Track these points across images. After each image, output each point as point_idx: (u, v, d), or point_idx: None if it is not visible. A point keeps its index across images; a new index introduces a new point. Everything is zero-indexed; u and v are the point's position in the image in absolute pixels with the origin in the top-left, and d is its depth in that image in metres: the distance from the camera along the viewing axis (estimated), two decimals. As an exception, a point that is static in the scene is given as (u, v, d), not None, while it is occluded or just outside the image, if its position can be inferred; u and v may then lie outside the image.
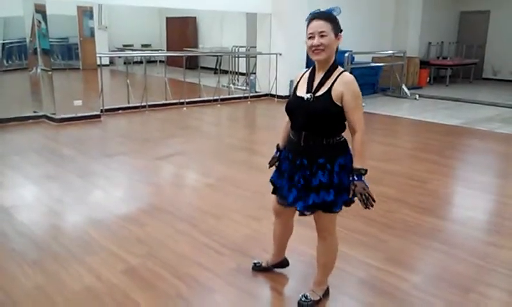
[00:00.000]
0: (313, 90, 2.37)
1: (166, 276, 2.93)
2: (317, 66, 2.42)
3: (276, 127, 8.37)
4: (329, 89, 2.32)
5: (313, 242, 3.43)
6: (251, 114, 9.40)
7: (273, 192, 2.69)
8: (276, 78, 10.23)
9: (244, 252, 3.26)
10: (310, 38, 2.33)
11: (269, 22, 10.45)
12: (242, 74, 12.28)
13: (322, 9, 2.35)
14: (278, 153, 2.66)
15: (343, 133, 2.42)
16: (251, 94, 10.38)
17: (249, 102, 10.05)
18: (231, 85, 11.31)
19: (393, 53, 11.74)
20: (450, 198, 4.77)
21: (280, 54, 10.13)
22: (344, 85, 2.30)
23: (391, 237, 3.55)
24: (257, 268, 2.99)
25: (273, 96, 10.42)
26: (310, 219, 3.58)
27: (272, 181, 2.67)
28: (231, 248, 3.32)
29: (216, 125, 8.50)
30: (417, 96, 10.97)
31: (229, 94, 10.47)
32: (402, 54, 11.49)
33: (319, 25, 2.30)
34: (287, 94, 10.29)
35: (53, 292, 2.75)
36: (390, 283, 2.90)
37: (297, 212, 2.56)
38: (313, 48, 2.32)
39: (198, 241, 3.43)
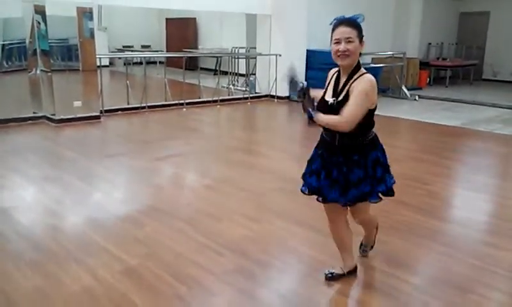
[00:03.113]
0: (337, 94, 2.48)
1: (164, 277, 2.92)
2: (341, 70, 2.51)
3: (275, 128, 8.38)
4: (348, 92, 2.42)
5: (314, 243, 3.43)
6: (250, 115, 9.40)
7: (313, 193, 2.71)
8: (275, 79, 10.22)
9: (243, 253, 3.25)
10: (336, 43, 2.41)
11: (268, 23, 10.44)
12: (242, 75, 12.27)
13: (347, 16, 2.44)
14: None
15: (373, 129, 2.57)
16: (251, 95, 10.37)
17: (249, 103, 10.05)
18: (231, 86, 11.30)
19: (393, 54, 11.73)
20: (450, 199, 4.76)
21: (280, 55, 10.12)
22: (357, 83, 2.41)
23: (391, 238, 3.54)
24: (331, 278, 2.86)
25: (273, 97, 10.41)
26: (310, 221, 3.59)
27: (309, 185, 2.69)
28: (230, 249, 3.31)
29: (216, 126, 8.49)
30: (417, 97, 10.97)
31: (229, 95, 10.47)
32: (402, 55, 11.49)
33: (345, 31, 2.38)
34: (287, 95, 10.28)
35: (52, 293, 2.74)
36: (390, 284, 2.89)
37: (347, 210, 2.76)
38: (339, 54, 2.40)
39: (196, 242, 3.42)
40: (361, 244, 3.14)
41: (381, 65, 11.25)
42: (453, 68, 13.57)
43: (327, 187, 2.58)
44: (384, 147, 2.65)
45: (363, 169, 2.50)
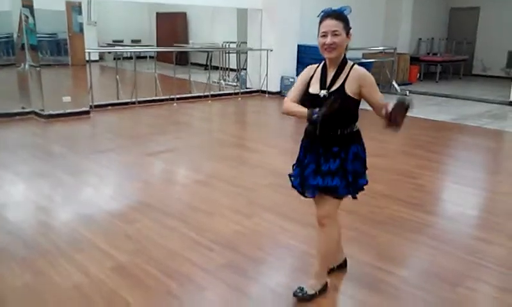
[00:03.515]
0: (327, 86, 2.45)
1: (155, 273, 2.91)
2: (328, 62, 2.49)
3: (266, 124, 8.37)
4: (343, 83, 2.41)
5: (305, 237, 3.44)
6: (241, 110, 9.38)
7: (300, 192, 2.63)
8: (267, 74, 10.22)
9: (234, 248, 3.25)
10: (322, 36, 2.40)
11: (259, 17, 10.41)
12: (233, 70, 12.24)
13: (334, 8, 2.42)
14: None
15: (357, 123, 2.54)
16: (242, 91, 10.35)
17: (239, 98, 10.03)
18: (221, 81, 11.27)
19: (383, 49, 11.76)
20: (440, 194, 4.80)
21: (271, 50, 10.11)
22: (359, 79, 2.41)
23: (381, 233, 3.56)
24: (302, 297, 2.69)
25: (264, 92, 10.40)
26: (301, 215, 3.59)
27: (294, 183, 2.63)
28: (221, 244, 3.30)
29: (207, 121, 8.46)
30: (407, 92, 11.01)
31: (220, 91, 10.44)
32: (392, 50, 11.52)
33: (332, 24, 2.37)
34: (278, 90, 10.28)
35: (42, 290, 2.72)
36: (380, 278, 2.91)
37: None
38: (326, 47, 2.39)
39: (187, 237, 3.42)
40: (301, 288, 2.66)
41: (372, 60, 11.26)
42: (443, 64, 13.64)
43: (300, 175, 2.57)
44: (365, 145, 2.56)
45: (339, 162, 2.44)
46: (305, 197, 2.62)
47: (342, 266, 2.92)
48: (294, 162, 2.68)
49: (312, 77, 2.53)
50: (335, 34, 2.36)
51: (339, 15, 2.39)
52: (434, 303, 2.69)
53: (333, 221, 2.62)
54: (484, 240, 3.51)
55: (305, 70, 2.60)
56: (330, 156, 2.45)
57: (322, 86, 2.46)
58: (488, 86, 12.48)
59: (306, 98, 2.51)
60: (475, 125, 7.71)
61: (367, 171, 2.59)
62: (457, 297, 2.74)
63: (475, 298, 2.79)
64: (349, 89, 2.39)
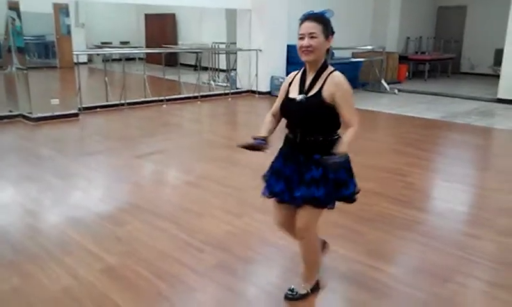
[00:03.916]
0: (305, 91, 2.39)
1: (146, 275, 2.89)
2: (307, 66, 2.43)
3: (257, 124, 8.35)
4: (320, 89, 2.35)
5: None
6: (232, 111, 9.37)
7: (274, 195, 2.55)
8: (256, 74, 10.22)
9: (225, 248, 3.24)
10: (300, 38, 2.34)
11: (248, 18, 10.41)
12: (223, 71, 12.23)
13: (315, 11, 2.37)
14: (264, 141, 2.45)
15: (338, 131, 2.43)
16: (232, 91, 10.34)
17: (229, 99, 10.01)
18: (211, 82, 11.25)
19: (372, 48, 11.81)
20: (429, 191, 4.82)
21: (260, 50, 10.11)
22: (335, 86, 2.32)
23: (371, 230, 3.57)
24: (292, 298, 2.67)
25: (254, 92, 10.40)
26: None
27: (274, 191, 2.53)
28: (212, 245, 3.29)
29: (197, 122, 8.44)
30: (396, 90, 11.07)
31: (209, 91, 10.42)
32: (381, 50, 11.58)
33: (309, 26, 2.31)
34: (268, 90, 10.29)
35: (30, 294, 2.69)
36: (370, 275, 2.92)
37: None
38: (303, 49, 2.34)
39: (178, 239, 3.40)
40: (292, 290, 2.67)
41: (361, 59, 11.32)
42: (432, 62, 13.73)
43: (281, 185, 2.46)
44: (349, 155, 2.35)
45: (321, 171, 2.33)
46: (268, 197, 2.55)
47: (315, 288, 2.73)
48: (267, 171, 2.57)
49: (291, 83, 2.49)
50: (311, 36, 2.29)
51: (318, 18, 2.33)
52: (424, 299, 2.70)
53: (311, 234, 2.54)
54: (473, 235, 3.53)
55: (286, 78, 2.56)
56: (312, 163, 2.35)
57: (301, 90, 2.40)
58: (476, 83, 12.59)
59: (284, 103, 2.47)
60: (464, 123, 7.77)
61: (356, 180, 2.47)
62: (448, 293, 2.76)
63: (465, 293, 2.81)
64: (326, 95, 2.32)
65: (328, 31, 2.34)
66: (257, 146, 2.44)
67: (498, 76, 10.01)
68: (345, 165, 2.37)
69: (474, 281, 2.92)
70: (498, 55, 11.11)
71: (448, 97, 10.46)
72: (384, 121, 8.38)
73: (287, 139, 2.51)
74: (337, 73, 2.37)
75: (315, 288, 2.72)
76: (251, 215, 3.85)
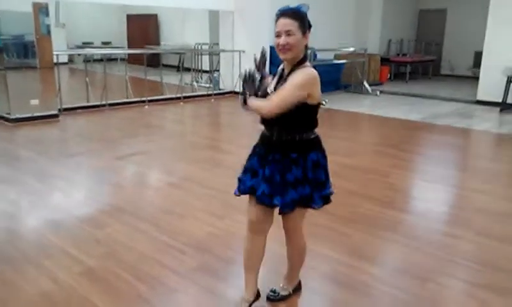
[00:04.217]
0: (278, 86, 2.31)
1: (126, 277, 2.86)
2: (285, 63, 2.36)
3: (240, 125, 8.35)
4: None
5: (280, 238, 3.43)
6: (214, 112, 9.34)
7: (245, 193, 2.48)
8: (239, 75, 10.20)
9: (207, 250, 3.23)
10: (277, 36, 2.26)
11: (231, 19, 10.41)
12: (206, 71, 12.19)
13: (290, 6, 2.27)
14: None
15: (316, 130, 2.38)
16: (215, 92, 10.32)
17: (212, 100, 9.99)
18: (194, 83, 11.20)
19: (354, 50, 11.90)
20: (411, 191, 4.87)
21: (243, 51, 10.10)
22: (294, 73, 2.26)
23: (353, 231, 3.59)
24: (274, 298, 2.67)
25: (237, 93, 10.37)
26: (275, 218, 3.57)
27: (247, 187, 2.45)
28: (194, 247, 3.27)
29: (179, 123, 8.39)
30: (378, 92, 11.18)
31: (192, 92, 10.38)
32: (363, 51, 11.68)
33: (285, 23, 2.22)
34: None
35: (7, 298, 2.64)
36: (352, 276, 2.93)
37: (274, 218, 2.48)
38: (280, 47, 2.25)
39: (159, 241, 3.37)
40: (274, 291, 2.68)
41: (343, 61, 11.40)
42: (413, 64, 13.90)
43: (260, 184, 2.36)
44: (326, 154, 2.41)
45: (301, 170, 2.29)
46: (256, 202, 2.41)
47: (297, 289, 2.73)
48: (243, 173, 2.48)
49: (274, 77, 2.44)
50: (288, 34, 2.20)
51: (294, 13, 2.23)
52: (405, 300, 2.72)
53: (300, 231, 2.52)
54: (453, 235, 3.58)
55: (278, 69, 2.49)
56: (290, 162, 2.29)
57: (277, 86, 2.34)
58: (456, 85, 12.78)
59: (262, 98, 2.39)
60: (444, 124, 7.88)
61: (331, 181, 2.43)
62: (428, 293, 2.78)
63: (446, 293, 2.84)
64: None
65: (305, 27, 2.25)
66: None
67: (477, 78, 10.18)
68: (323, 164, 2.35)
69: (454, 281, 2.95)
70: (477, 58, 11.30)
71: (429, 99, 10.60)
72: (366, 122, 8.45)
73: (262, 136, 2.44)
74: (307, 69, 2.26)
75: (297, 289, 2.72)
76: (234, 217, 3.84)
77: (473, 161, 6.17)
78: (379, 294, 2.78)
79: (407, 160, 5.85)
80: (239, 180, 2.50)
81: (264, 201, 2.34)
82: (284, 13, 2.25)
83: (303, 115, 2.28)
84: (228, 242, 3.40)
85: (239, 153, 5.99)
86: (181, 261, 3.07)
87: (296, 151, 2.30)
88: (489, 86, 9.54)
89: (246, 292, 2.58)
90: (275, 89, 2.33)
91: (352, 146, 6.37)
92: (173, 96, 9.59)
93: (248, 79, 2.36)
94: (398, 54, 14.64)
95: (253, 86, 2.34)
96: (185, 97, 9.68)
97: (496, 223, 3.84)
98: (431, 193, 4.66)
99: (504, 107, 8.97)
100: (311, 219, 3.57)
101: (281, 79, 2.35)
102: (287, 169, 2.30)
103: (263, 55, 2.44)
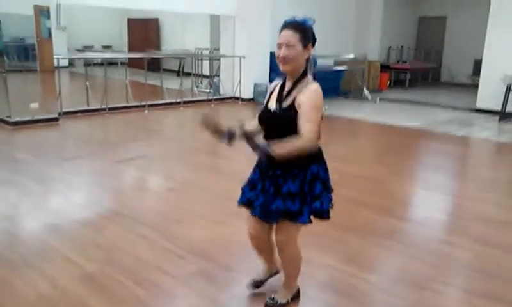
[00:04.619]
0: (281, 101, 2.33)
1: (125, 282, 2.86)
2: (287, 75, 2.36)
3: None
4: (294, 100, 2.28)
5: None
6: (214, 117, 9.34)
7: (245, 206, 2.55)
8: (240, 81, 10.23)
9: (206, 256, 3.23)
10: (278, 47, 2.28)
11: (232, 24, 10.44)
12: (206, 76, 12.22)
13: (296, 18, 2.29)
14: (230, 136, 2.47)
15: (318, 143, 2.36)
16: (215, 97, 10.34)
17: (212, 105, 10.01)
18: (194, 88, 11.23)
19: (354, 57, 11.95)
20: (409, 199, 4.88)
21: (244, 57, 10.13)
22: (303, 98, 2.24)
23: (351, 238, 3.60)
24: (254, 285, 2.78)
25: (237, 99, 10.41)
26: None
27: (246, 198, 2.53)
28: (192, 252, 3.28)
29: (179, 127, 8.41)
30: (378, 99, 11.21)
31: (192, 97, 10.40)
32: (363, 58, 11.72)
33: (287, 35, 2.24)
34: (251, 97, 10.32)
35: (6, 303, 2.64)
36: (349, 283, 2.94)
37: (272, 228, 2.52)
38: (280, 59, 2.28)
39: (158, 245, 3.38)
40: (272, 298, 2.65)
41: (343, 68, 11.43)
42: (412, 71, 13.95)
43: (258, 197, 2.42)
44: (327, 166, 2.43)
45: (298, 184, 2.31)
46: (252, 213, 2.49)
47: (295, 297, 2.73)
48: (245, 184, 2.55)
49: (272, 92, 2.44)
50: (288, 46, 2.22)
51: (297, 26, 2.25)
52: (402, 307, 2.73)
53: (291, 247, 2.52)
54: (450, 243, 3.59)
55: (270, 86, 2.50)
56: (289, 177, 2.31)
57: (278, 100, 2.34)
58: (455, 93, 12.82)
59: (262, 113, 2.44)
60: (444, 132, 7.90)
61: (331, 196, 2.44)
62: (425, 301, 2.79)
63: (443, 301, 2.85)
64: (298, 106, 2.25)
65: (306, 40, 2.26)
66: (220, 132, 2.46)
67: (476, 86, 10.21)
68: (323, 177, 2.35)
69: (451, 289, 2.96)
70: (477, 66, 11.34)
71: (428, 106, 10.63)
72: (365, 129, 8.47)
73: None
74: (313, 86, 2.27)
75: (296, 297, 2.72)
76: (233, 223, 3.84)
77: (472, 169, 6.18)
78: (377, 301, 2.79)
79: (406, 167, 5.87)
80: (242, 190, 2.56)
81: (257, 214, 2.42)
82: (287, 24, 2.27)
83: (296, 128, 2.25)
84: (227, 247, 3.40)
85: (239, 158, 5.99)
86: (180, 267, 3.08)
87: (297, 167, 2.31)
88: (489, 94, 9.57)
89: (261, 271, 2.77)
90: (278, 101, 2.34)
91: (351, 153, 6.39)
92: (173, 100, 9.60)
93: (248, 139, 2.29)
94: (398, 61, 14.70)
95: (252, 143, 2.26)
96: (185, 102, 9.70)
97: (494, 231, 3.85)
98: (429, 201, 4.67)
99: (503, 115, 9.00)
100: (308, 226, 3.58)
101: (282, 94, 2.35)
102: (284, 182, 2.33)
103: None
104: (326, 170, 2.40)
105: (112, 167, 5.37)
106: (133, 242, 3.44)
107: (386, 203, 4.43)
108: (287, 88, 2.35)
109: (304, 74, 2.32)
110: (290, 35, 2.24)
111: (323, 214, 2.42)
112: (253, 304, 2.71)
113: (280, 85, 2.42)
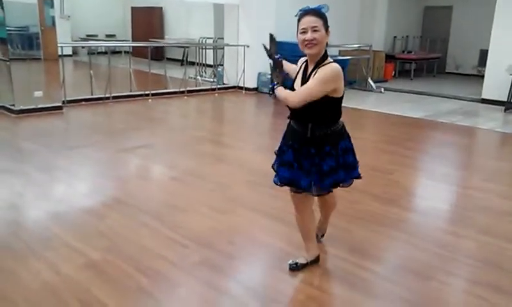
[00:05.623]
0: (304, 83, 2.53)
1: (128, 270, 2.86)
2: (308, 59, 2.57)
3: (243, 120, 8.36)
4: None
5: (280, 234, 3.44)
6: (218, 107, 9.34)
7: (286, 184, 2.75)
8: (243, 70, 10.18)
9: (209, 245, 3.23)
10: (302, 32, 2.46)
11: (236, 13, 10.37)
12: (210, 66, 12.18)
13: (311, 6, 2.49)
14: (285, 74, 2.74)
15: (340, 120, 2.67)
16: (219, 86, 10.30)
17: (216, 94, 9.98)
18: (198, 77, 11.19)
19: (359, 47, 11.86)
20: (413, 189, 4.86)
21: (248, 46, 10.07)
22: (320, 69, 2.47)
23: (356, 227, 3.59)
24: (295, 268, 2.88)
25: (241, 88, 10.37)
26: (277, 212, 3.58)
27: (282, 177, 2.72)
28: (196, 241, 3.27)
29: (183, 117, 8.39)
30: (383, 89, 11.13)
31: (196, 86, 10.36)
32: (368, 48, 11.63)
33: (311, 20, 2.43)
34: (255, 86, 10.27)
35: (10, 290, 2.64)
36: (353, 272, 2.93)
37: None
38: (306, 42, 2.46)
39: (161, 234, 3.38)
40: (296, 263, 2.91)
41: (348, 57, 11.35)
42: (418, 61, 13.85)
43: (299, 177, 2.62)
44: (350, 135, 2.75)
45: (334, 159, 2.58)
46: (297, 192, 2.73)
47: (315, 261, 2.95)
48: (278, 164, 2.75)
49: (298, 71, 2.66)
50: (314, 30, 2.43)
51: (318, 12, 2.46)
52: (407, 297, 2.72)
53: (335, 203, 3.10)
54: (455, 234, 3.57)
55: (298, 63, 2.73)
56: (324, 155, 2.56)
57: (303, 82, 2.55)
58: (461, 83, 12.71)
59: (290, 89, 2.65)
60: (448, 122, 7.85)
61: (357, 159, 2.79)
62: (430, 291, 2.78)
63: (448, 291, 2.83)
64: None
65: (326, 25, 2.48)
66: (277, 63, 2.67)
67: (482, 76, 10.12)
68: (351, 148, 2.77)
69: (456, 279, 2.95)
70: (483, 56, 11.24)
71: (433, 96, 10.55)
72: (370, 119, 8.43)
73: (293, 131, 2.66)
74: (331, 64, 2.49)
75: (316, 261, 2.93)
76: (237, 212, 3.84)
77: (477, 160, 6.15)
78: (381, 291, 2.78)
79: (410, 157, 5.84)
80: (276, 171, 2.79)
81: (305, 189, 2.65)
82: (308, 11, 2.48)
83: (330, 109, 2.54)
84: (230, 237, 3.40)
85: (242, 147, 6.00)
86: (183, 255, 3.08)
87: (329, 144, 2.58)
88: (495, 85, 9.48)
89: (308, 255, 2.92)
90: (302, 84, 2.56)
91: (355, 143, 6.31)
92: (177, 90, 9.57)
93: (274, 69, 2.62)
94: (403, 51, 14.59)
95: (281, 75, 2.59)
96: (188, 91, 9.67)
97: (499, 222, 3.83)
98: (434, 191, 4.65)
99: (508, 106, 8.93)
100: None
101: (306, 76, 2.57)
102: (322, 160, 2.58)
103: (272, 38, 2.78)
104: (350, 141, 2.74)
105: (116, 156, 5.37)
106: (136, 230, 3.44)
107: (391, 193, 4.41)
108: (309, 70, 2.56)
109: (324, 57, 2.53)
110: (314, 20, 2.45)
111: (359, 176, 2.86)
112: (257, 293, 2.70)
113: (303, 68, 2.63)
